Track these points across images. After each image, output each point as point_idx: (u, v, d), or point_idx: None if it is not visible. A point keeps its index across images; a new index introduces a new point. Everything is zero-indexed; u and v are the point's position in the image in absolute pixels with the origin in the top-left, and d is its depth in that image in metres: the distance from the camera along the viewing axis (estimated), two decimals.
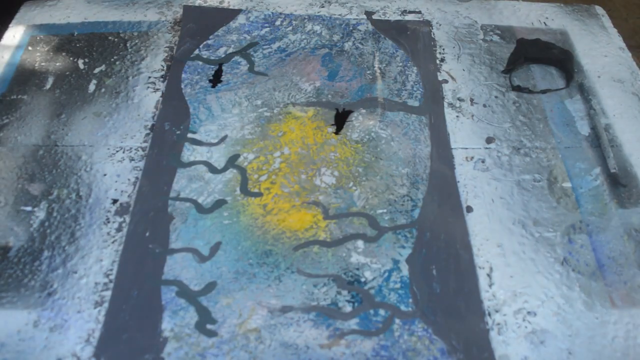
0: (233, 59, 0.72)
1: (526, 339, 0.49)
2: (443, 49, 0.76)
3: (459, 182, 0.61)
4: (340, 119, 0.66)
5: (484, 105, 0.69)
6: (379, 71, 0.72)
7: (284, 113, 0.66)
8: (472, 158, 0.63)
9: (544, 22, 0.82)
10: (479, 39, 0.78)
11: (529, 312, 0.51)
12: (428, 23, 0.80)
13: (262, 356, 0.47)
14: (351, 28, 0.78)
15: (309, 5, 0.81)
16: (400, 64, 0.73)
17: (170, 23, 0.77)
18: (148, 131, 0.63)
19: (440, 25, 0.80)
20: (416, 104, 0.68)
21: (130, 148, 0.62)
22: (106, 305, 0.49)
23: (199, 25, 0.76)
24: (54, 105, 0.65)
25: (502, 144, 0.65)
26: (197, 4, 0.80)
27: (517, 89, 0.71)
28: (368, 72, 0.72)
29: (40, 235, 0.54)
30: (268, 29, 0.77)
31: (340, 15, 0.80)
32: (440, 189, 0.60)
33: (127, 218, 0.55)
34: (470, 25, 0.80)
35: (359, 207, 0.58)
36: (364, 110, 0.67)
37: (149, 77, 0.70)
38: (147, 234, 0.54)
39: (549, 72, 0.73)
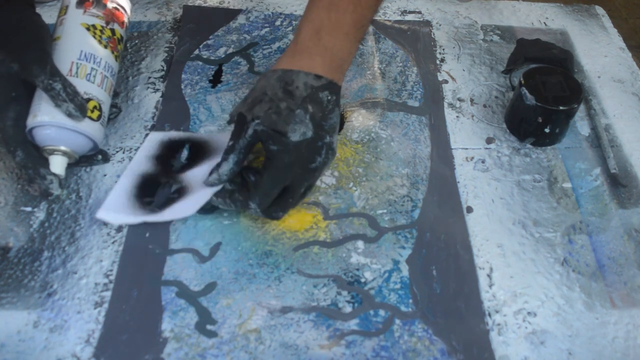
0: (233, 59, 0.72)
1: (526, 340, 0.49)
2: (443, 49, 0.76)
3: (459, 182, 0.61)
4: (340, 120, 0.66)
5: (484, 106, 0.69)
6: (379, 71, 0.72)
7: None
8: (472, 158, 0.63)
9: (544, 22, 0.82)
10: (479, 39, 0.78)
11: (529, 313, 0.51)
12: (428, 23, 0.80)
13: (262, 356, 0.47)
14: None
15: None
16: (400, 64, 0.73)
17: (170, 23, 0.77)
18: (148, 131, 0.63)
19: (440, 25, 0.80)
20: (416, 104, 0.68)
21: (130, 148, 0.62)
22: (106, 305, 0.49)
23: (199, 25, 0.76)
24: None
25: (502, 144, 0.65)
26: (197, 4, 0.80)
27: None
28: (368, 72, 0.72)
29: (40, 236, 0.54)
30: (268, 29, 0.77)
31: None
32: (440, 189, 0.60)
33: None
34: (470, 25, 0.80)
35: (359, 208, 0.58)
36: (364, 111, 0.67)
37: (149, 78, 0.70)
38: (147, 235, 0.54)
39: None
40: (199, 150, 0.60)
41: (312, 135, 0.51)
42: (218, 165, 0.52)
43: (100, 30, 0.60)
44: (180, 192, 0.55)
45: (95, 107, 0.57)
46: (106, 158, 0.60)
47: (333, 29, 0.53)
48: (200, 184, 0.54)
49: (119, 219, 0.54)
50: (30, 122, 0.53)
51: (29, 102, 0.54)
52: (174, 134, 0.62)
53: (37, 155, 0.54)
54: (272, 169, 0.51)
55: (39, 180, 0.54)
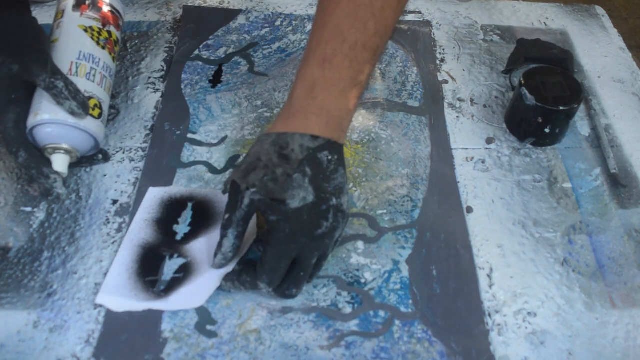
0: (233, 59, 0.72)
1: (526, 340, 0.49)
2: (443, 49, 0.76)
3: (459, 182, 0.61)
4: None
5: (484, 106, 0.69)
6: (379, 71, 0.72)
7: None
8: (472, 158, 0.63)
9: (544, 22, 0.82)
10: (479, 39, 0.78)
11: (529, 313, 0.51)
12: (428, 23, 0.80)
13: (262, 357, 0.47)
14: None
15: (309, 6, 0.81)
16: (400, 64, 0.73)
17: (170, 23, 0.77)
18: (148, 132, 0.63)
19: (440, 25, 0.80)
20: (416, 104, 0.68)
21: (130, 148, 0.62)
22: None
23: (199, 25, 0.76)
24: None
25: (502, 145, 0.65)
26: (197, 4, 0.80)
27: None
28: None
29: (40, 236, 0.54)
30: (268, 29, 0.77)
31: None
32: (440, 189, 0.60)
33: (127, 218, 0.55)
34: (470, 26, 0.80)
35: (359, 208, 0.58)
36: (364, 111, 0.67)
37: (149, 78, 0.70)
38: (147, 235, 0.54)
39: None
40: (203, 212, 0.55)
41: (314, 200, 0.47)
42: (220, 245, 0.49)
43: (98, 32, 0.60)
44: (186, 270, 0.51)
45: (96, 105, 0.57)
46: (107, 157, 0.60)
47: (328, 86, 0.49)
48: (206, 259, 0.51)
49: (121, 304, 0.49)
50: (32, 121, 0.53)
51: (29, 103, 0.54)
52: (174, 190, 0.57)
53: (39, 156, 0.54)
54: (274, 242, 0.47)
55: (43, 179, 0.54)
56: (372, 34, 0.49)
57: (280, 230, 0.46)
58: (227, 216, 0.49)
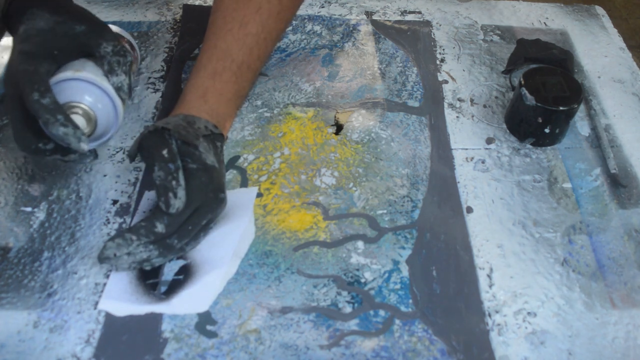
0: None
1: (526, 340, 0.49)
2: (443, 49, 0.76)
3: (459, 182, 0.61)
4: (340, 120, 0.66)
5: (484, 106, 0.69)
6: (379, 71, 0.72)
7: (284, 114, 0.66)
8: (472, 159, 0.63)
9: (544, 22, 0.82)
10: (479, 39, 0.78)
11: (529, 313, 0.51)
12: (428, 23, 0.80)
13: (262, 357, 0.47)
14: (351, 28, 0.78)
15: (309, 6, 0.81)
16: (400, 64, 0.73)
17: (170, 23, 0.77)
18: None
19: (440, 25, 0.80)
20: (416, 104, 0.68)
21: None
22: None
23: (199, 25, 0.76)
24: None
25: (502, 145, 0.65)
26: (197, 4, 0.80)
27: None
28: (368, 72, 0.72)
29: (40, 236, 0.54)
30: None
31: (340, 15, 0.80)
32: (440, 189, 0.60)
33: (127, 219, 0.55)
34: (470, 26, 0.80)
35: (359, 208, 0.58)
36: (364, 111, 0.67)
37: (149, 78, 0.70)
38: None
39: None
40: None
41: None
42: (171, 197, 0.48)
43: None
44: (187, 272, 0.51)
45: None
46: (96, 155, 0.55)
47: (218, 94, 0.57)
48: (206, 261, 0.51)
49: (124, 309, 0.48)
50: (72, 74, 0.51)
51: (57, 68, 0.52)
52: None
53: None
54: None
55: (71, 128, 0.47)
56: (256, 59, 0.60)
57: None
58: (167, 165, 0.49)
